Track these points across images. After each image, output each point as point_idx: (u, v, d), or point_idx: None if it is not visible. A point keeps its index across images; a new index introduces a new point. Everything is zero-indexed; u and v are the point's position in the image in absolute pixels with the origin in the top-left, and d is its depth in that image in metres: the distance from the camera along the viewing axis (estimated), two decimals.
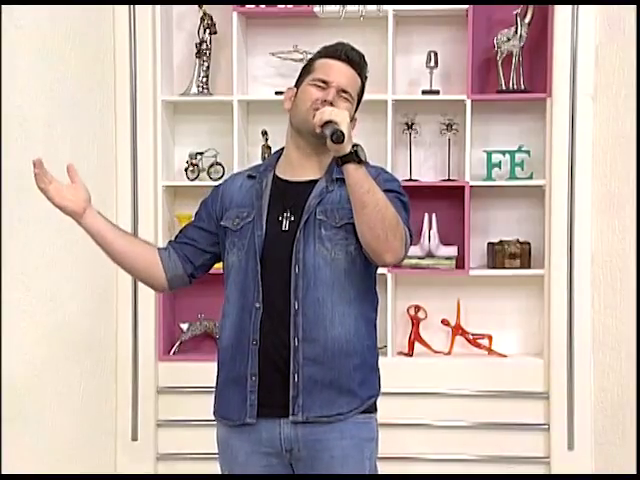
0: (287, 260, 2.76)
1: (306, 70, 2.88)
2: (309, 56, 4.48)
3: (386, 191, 2.74)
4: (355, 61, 2.85)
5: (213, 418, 4.52)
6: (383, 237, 2.64)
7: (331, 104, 2.76)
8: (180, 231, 3.01)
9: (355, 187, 2.63)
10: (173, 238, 3.00)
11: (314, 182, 2.83)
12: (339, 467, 2.79)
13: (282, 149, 2.97)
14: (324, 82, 2.80)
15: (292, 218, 2.78)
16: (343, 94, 2.81)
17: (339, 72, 2.82)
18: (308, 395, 2.75)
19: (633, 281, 4.39)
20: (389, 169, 4.41)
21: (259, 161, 4.58)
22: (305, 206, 2.78)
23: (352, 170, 2.62)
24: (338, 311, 2.77)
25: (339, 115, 2.63)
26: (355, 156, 2.62)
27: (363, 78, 2.89)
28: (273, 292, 2.77)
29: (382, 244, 2.66)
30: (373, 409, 2.88)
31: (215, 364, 2.97)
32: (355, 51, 2.87)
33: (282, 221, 2.79)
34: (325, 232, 2.77)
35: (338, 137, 2.59)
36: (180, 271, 2.95)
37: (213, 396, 2.96)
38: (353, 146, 2.63)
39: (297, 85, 2.89)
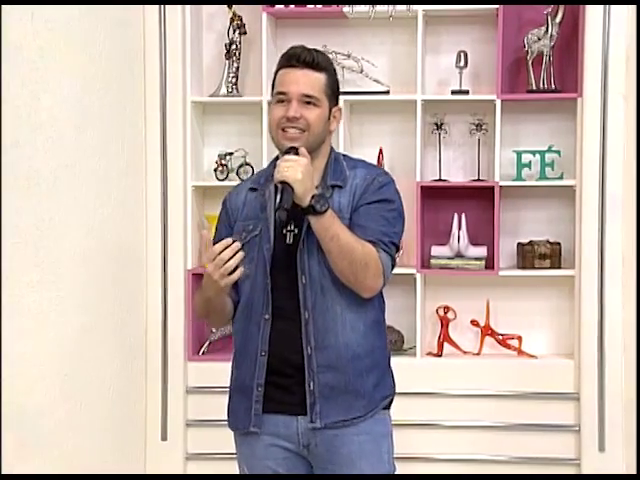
0: (293, 271, 2.81)
1: (272, 85, 2.90)
2: (339, 56, 4.52)
3: (378, 201, 2.82)
4: (309, 62, 2.82)
5: None
6: (352, 278, 2.76)
7: (295, 118, 2.78)
8: None
9: (319, 235, 2.73)
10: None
11: None
12: (358, 460, 2.85)
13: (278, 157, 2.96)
14: (283, 94, 2.82)
15: (295, 231, 2.82)
16: (306, 99, 2.80)
17: (295, 80, 2.81)
18: (325, 401, 2.81)
19: None
20: (418, 169, 4.42)
21: None
22: (304, 218, 2.78)
23: (313, 221, 2.72)
24: (348, 317, 2.82)
25: (290, 175, 2.67)
26: (312, 210, 2.69)
27: (328, 72, 2.86)
28: (282, 303, 2.83)
29: (353, 284, 2.78)
30: (387, 406, 2.94)
31: None
32: (307, 51, 2.84)
33: (286, 234, 2.83)
34: None
35: (280, 216, 2.68)
36: (232, 303, 2.96)
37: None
38: (312, 198, 2.69)
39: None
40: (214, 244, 2.86)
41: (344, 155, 2.97)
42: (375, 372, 2.88)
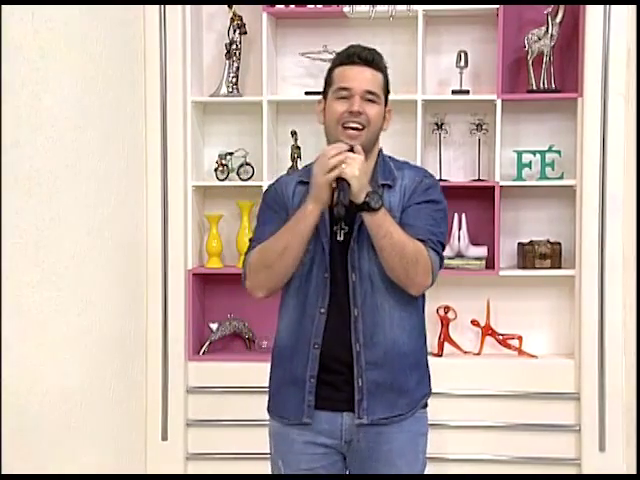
0: (344, 268, 2.86)
1: (327, 81, 2.93)
2: None
3: (426, 202, 2.88)
4: (369, 60, 2.88)
5: (242, 418, 4.56)
6: (403, 275, 2.81)
7: (359, 113, 2.82)
8: (259, 234, 2.95)
9: (371, 232, 2.78)
10: (257, 244, 2.92)
11: None
12: (397, 458, 2.92)
13: None
14: (345, 89, 2.85)
15: (346, 228, 2.83)
16: (368, 95, 2.85)
17: (358, 76, 2.86)
18: (372, 398, 2.87)
19: None
20: None
21: (288, 162, 4.60)
22: (356, 216, 2.83)
23: (367, 218, 2.76)
24: (395, 315, 2.88)
25: (348, 171, 2.71)
26: (367, 206, 2.73)
27: (383, 72, 2.92)
28: (334, 298, 2.87)
29: (403, 281, 2.83)
30: (425, 405, 3.04)
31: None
32: (367, 50, 2.90)
33: (336, 231, 2.84)
34: None
35: (339, 212, 2.71)
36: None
37: (268, 394, 3.04)
38: (366, 195, 2.73)
39: (324, 96, 2.93)
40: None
41: (389, 156, 3.02)
42: (417, 370, 2.97)
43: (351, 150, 2.78)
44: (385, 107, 2.92)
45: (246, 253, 2.98)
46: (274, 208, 2.97)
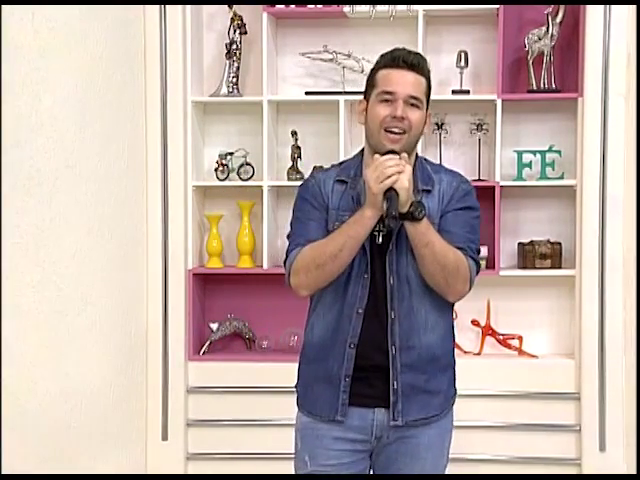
0: (382, 271, 2.87)
1: (370, 83, 2.90)
2: (339, 56, 4.52)
3: (463, 208, 2.89)
4: (415, 64, 2.86)
5: (242, 418, 4.55)
6: (443, 283, 2.83)
7: (402, 118, 2.80)
8: (302, 231, 2.93)
9: (413, 241, 2.79)
10: (302, 241, 2.90)
11: None
12: (424, 452, 2.93)
13: (364, 149, 2.97)
14: (389, 93, 2.83)
15: (384, 231, 2.82)
16: (412, 100, 2.83)
17: (402, 80, 2.83)
18: (406, 400, 2.88)
19: None
20: None
21: (288, 161, 4.60)
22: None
23: (410, 227, 2.77)
24: (430, 319, 2.90)
25: (400, 183, 2.71)
26: (411, 216, 2.74)
27: (427, 76, 2.90)
28: (372, 300, 2.88)
29: (443, 289, 2.85)
30: (453, 403, 3.03)
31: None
32: (412, 54, 2.88)
33: (375, 234, 2.83)
34: None
35: (390, 223, 2.72)
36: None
37: (296, 389, 3.03)
38: (410, 205, 2.73)
39: (365, 97, 2.91)
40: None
41: (425, 159, 3.01)
42: (448, 372, 2.99)
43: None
44: (426, 112, 2.90)
45: (288, 250, 2.94)
46: (314, 205, 2.94)
